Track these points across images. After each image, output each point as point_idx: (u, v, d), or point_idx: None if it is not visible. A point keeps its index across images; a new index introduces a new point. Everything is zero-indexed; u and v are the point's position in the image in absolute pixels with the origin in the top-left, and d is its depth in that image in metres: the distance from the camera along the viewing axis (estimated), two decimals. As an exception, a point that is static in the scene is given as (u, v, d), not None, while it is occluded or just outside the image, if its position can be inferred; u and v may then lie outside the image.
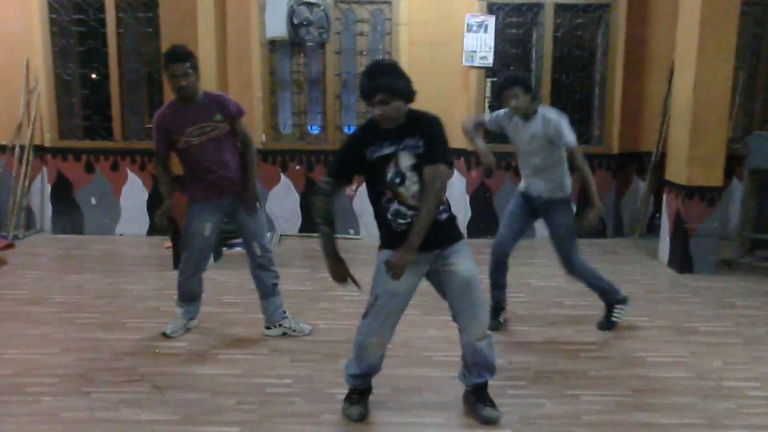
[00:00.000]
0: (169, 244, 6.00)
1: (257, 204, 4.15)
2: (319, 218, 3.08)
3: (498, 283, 4.40)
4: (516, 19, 6.86)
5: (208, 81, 5.60)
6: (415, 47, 6.68)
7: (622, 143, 6.93)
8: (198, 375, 3.70)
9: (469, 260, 3.08)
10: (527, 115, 4.11)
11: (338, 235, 6.80)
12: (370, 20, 6.81)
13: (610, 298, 4.34)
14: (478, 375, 3.20)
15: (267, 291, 4.27)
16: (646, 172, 6.98)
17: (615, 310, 4.34)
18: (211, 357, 3.95)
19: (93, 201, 6.98)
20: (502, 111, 4.31)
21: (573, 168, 4.11)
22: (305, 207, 6.99)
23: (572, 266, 4.23)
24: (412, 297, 3.12)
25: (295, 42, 6.72)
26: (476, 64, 6.64)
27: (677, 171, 5.78)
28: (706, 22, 5.38)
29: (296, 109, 7.05)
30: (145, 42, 6.86)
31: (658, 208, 6.70)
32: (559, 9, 6.78)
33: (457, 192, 6.92)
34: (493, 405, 3.20)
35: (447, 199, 3.06)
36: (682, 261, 5.74)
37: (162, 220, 4.20)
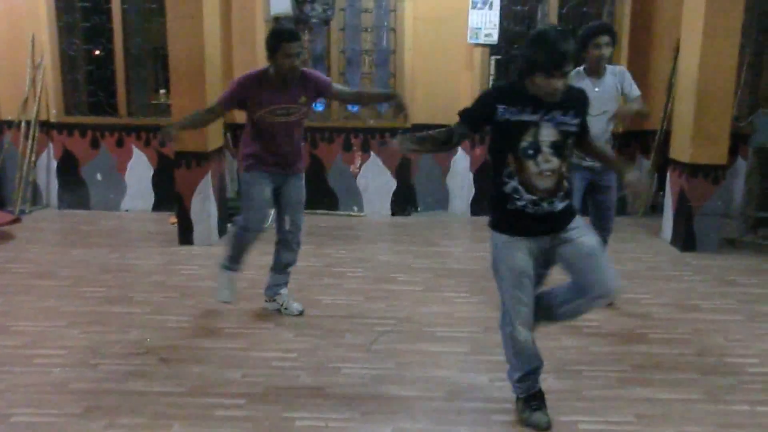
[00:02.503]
0: (174, 219, 6.04)
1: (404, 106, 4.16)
2: (430, 137, 2.87)
3: None
4: (521, -5, 6.82)
5: (213, 57, 5.61)
6: (420, 23, 6.65)
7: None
8: (204, 348, 3.74)
9: (586, 231, 2.92)
10: (599, 72, 4.06)
11: (340, 212, 6.90)
12: (375, -4, 6.78)
13: None
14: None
15: (279, 265, 4.31)
16: (651, 150, 6.96)
17: None
18: (216, 331, 4.00)
19: (99, 176, 7.01)
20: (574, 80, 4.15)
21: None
22: (308, 183, 6.95)
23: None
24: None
25: (300, 19, 6.69)
26: (481, 41, 6.61)
27: (681, 149, 5.77)
28: (711, 2, 5.35)
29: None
30: (150, 18, 6.83)
31: (661, 186, 6.70)
32: (565, -15, 6.74)
33: (462, 169, 6.94)
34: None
35: (568, 186, 2.88)
36: (685, 239, 5.75)
37: (167, 136, 4.12)
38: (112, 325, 4.04)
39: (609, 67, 4.11)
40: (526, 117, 2.73)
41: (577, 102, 2.84)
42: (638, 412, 3.08)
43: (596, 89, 4.01)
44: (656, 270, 5.18)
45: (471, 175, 6.95)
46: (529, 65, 2.68)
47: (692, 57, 5.56)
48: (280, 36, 3.82)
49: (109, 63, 6.84)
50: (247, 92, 3.92)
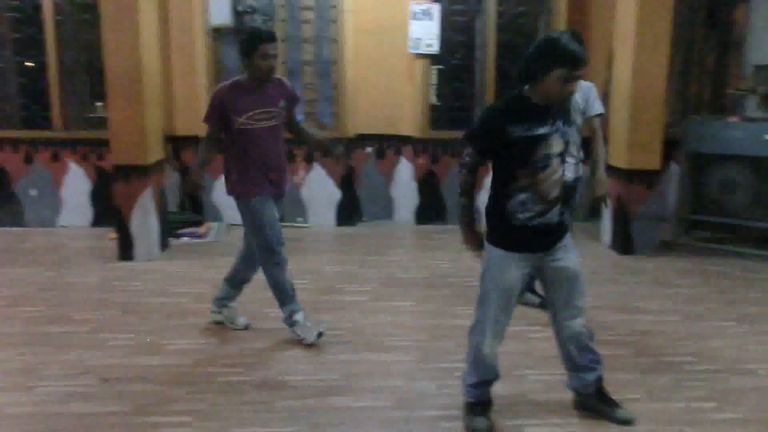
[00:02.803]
0: (113, 234, 5.88)
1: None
2: (462, 191, 2.89)
3: None
4: (460, 7, 6.92)
5: (151, 68, 5.51)
6: (361, 34, 6.68)
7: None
8: (147, 366, 3.66)
9: (572, 252, 2.98)
10: None
11: (285, 224, 6.85)
12: (315, 7, 6.78)
13: None
14: (590, 369, 3.06)
15: (234, 281, 4.21)
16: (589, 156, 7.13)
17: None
18: (160, 348, 3.91)
19: (33, 192, 6.79)
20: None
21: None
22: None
23: None
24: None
25: (240, 29, 6.64)
26: (422, 51, 6.68)
27: (618, 155, 5.95)
28: (642, 12, 5.56)
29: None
30: (85, 29, 6.67)
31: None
32: (503, -3, 6.88)
33: (405, 179, 6.98)
34: (619, 404, 3.11)
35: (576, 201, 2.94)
36: (624, 243, 5.92)
37: (197, 180, 4.02)
38: (50, 345, 3.91)
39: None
40: (541, 130, 2.73)
41: (569, 110, 2.94)
42: (581, 413, 3.14)
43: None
44: (597, 274, 5.31)
45: (415, 185, 7.01)
46: (547, 67, 2.66)
47: (625, 67, 5.75)
48: (258, 36, 3.73)
49: (43, 75, 6.64)
50: (224, 101, 3.78)
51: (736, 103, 6.89)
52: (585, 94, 4.14)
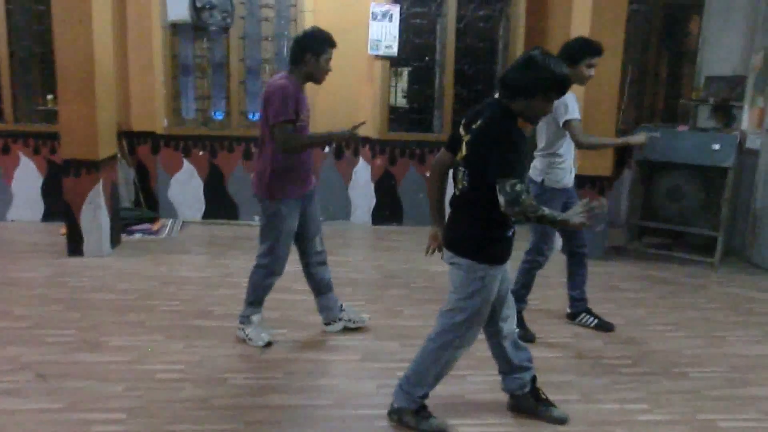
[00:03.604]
0: (65, 230, 5.79)
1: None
2: (543, 217, 2.75)
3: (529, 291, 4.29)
4: (420, 9, 6.96)
5: (104, 63, 5.45)
6: (321, 34, 6.66)
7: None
8: (86, 363, 3.62)
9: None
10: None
11: (242, 221, 6.83)
12: (274, 6, 6.76)
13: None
14: (526, 369, 3.14)
15: (327, 286, 4.12)
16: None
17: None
18: (101, 344, 3.87)
19: (-18, 185, 6.67)
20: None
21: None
22: (208, 193, 6.90)
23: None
24: None
25: (198, 26, 6.60)
26: (381, 53, 6.70)
27: (570, 161, 6.02)
28: (596, 21, 5.64)
29: (199, 94, 6.94)
30: (38, 20, 6.56)
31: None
32: (463, 1, 6.91)
33: (363, 180, 6.99)
34: (554, 404, 3.18)
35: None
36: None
37: (354, 137, 3.90)
38: (-14, 340, 3.85)
39: None
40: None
41: None
42: (515, 414, 3.19)
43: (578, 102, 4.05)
44: (545, 278, 5.32)
45: (372, 185, 7.02)
46: (542, 87, 2.70)
47: (578, 73, 5.83)
48: (328, 41, 3.71)
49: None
50: (296, 98, 3.67)
51: (689, 112, 7.05)
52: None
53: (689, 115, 6.98)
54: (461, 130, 2.89)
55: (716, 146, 5.66)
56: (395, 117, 7.18)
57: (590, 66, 3.97)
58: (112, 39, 5.73)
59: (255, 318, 3.98)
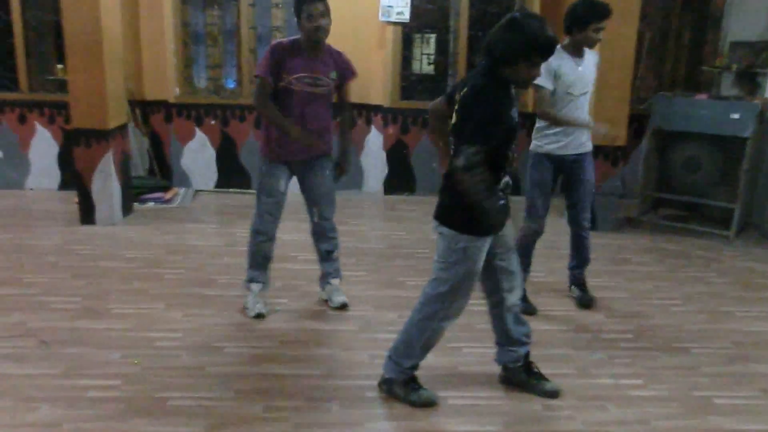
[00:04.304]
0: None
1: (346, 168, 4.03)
2: (483, 193, 2.68)
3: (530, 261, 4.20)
4: (434, -25, 6.83)
5: (112, 31, 5.44)
6: (331, 1, 6.56)
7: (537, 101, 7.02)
8: (87, 329, 3.68)
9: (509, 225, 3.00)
10: (580, 52, 3.89)
11: (253, 190, 6.81)
12: (285, -29, 6.69)
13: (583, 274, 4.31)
14: (523, 343, 3.11)
15: (320, 255, 4.15)
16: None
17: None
18: (103, 312, 3.92)
19: (0, 155, 6.76)
20: (551, 59, 4.14)
21: None
22: (220, 162, 6.92)
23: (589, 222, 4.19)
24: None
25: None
26: (392, 19, 6.60)
27: (584, 131, 5.90)
28: (611, -16, 5.46)
29: (211, 62, 6.92)
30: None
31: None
32: (477, -34, 6.77)
33: (374, 148, 6.95)
34: (546, 378, 3.15)
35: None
36: (587, 219, 5.90)
37: (309, 140, 3.76)
38: (-8, 307, 3.93)
39: (586, 50, 3.94)
40: (516, 112, 2.77)
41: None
42: (507, 388, 3.17)
43: (579, 68, 3.88)
44: (553, 249, 5.28)
45: (384, 154, 6.97)
46: (523, 51, 2.61)
47: (593, 41, 5.68)
48: None
49: (7, 36, 6.56)
50: (280, 57, 3.67)
51: (712, 80, 6.85)
52: (596, 60, 4.06)
53: (712, 83, 6.78)
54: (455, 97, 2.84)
55: (735, 115, 5.49)
56: (409, 85, 7.07)
57: (597, 30, 3.83)
58: (123, 8, 5.73)
59: (254, 287, 4.00)
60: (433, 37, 7.20)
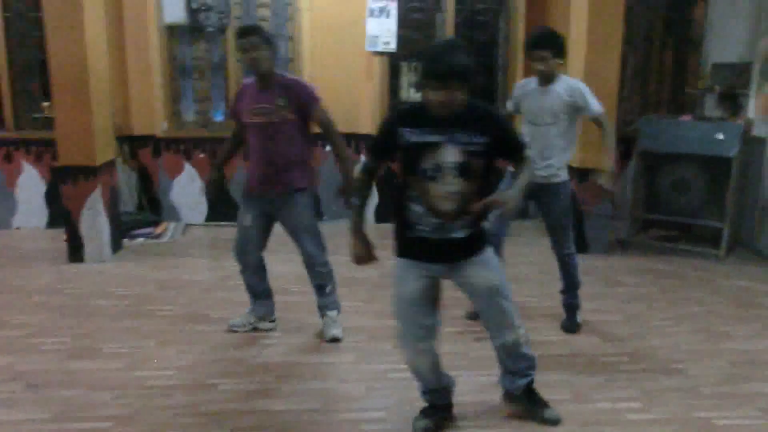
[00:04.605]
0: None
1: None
2: (355, 192, 2.98)
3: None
4: (419, 4, 6.89)
5: (98, 67, 5.45)
6: (318, 32, 6.64)
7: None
8: (77, 371, 3.62)
9: (485, 268, 2.83)
10: (547, 81, 3.85)
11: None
12: (271, 5, 6.73)
13: (577, 300, 4.23)
14: (524, 375, 3.06)
15: (314, 289, 4.17)
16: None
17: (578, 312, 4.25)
18: (94, 352, 3.86)
19: (-14, 193, 6.72)
20: (520, 83, 4.10)
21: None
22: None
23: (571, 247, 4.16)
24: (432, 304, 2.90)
25: (195, 27, 6.59)
26: (379, 49, 6.65)
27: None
28: (593, 11, 5.55)
29: (199, 95, 6.93)
30: (38, 27, 6.58)
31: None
32: (461, -6, 6.86)
33: (364, 178, 6.94)
34: (547, 404, 3.11)
35: (483, 212, 2.75)
36: (577, 241, 5.84)
37: (210, 191, 4.13)
38: (-22, 350, 3.86)
39: (564, 79, 3.91)
40: (429, 138, 2.63)
41: (482, 120, 2.67)
42: (504, 415, 3.14)
43: (543, 97, 3.88)
44: (546, 273, 5.27)
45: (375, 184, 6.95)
46: (418, 79, 2.67)
47: (578, 66, 5.74)
48: (235, 36, 3.85)
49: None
50: (238, 97, 3.94)
51: (695, 101, 6.92)
52: (569, 92, 3.89)
53: (695, 105, 6.85)
54: None
55: (720, 136, 5.55)
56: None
57: (535, 59, 3.82)
58: (109, 44, 5.74)
59: (246, 309, 4.21)
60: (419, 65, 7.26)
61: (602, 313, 4.47)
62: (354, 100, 6.77)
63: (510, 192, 2.73)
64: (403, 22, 6.73)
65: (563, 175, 4.00)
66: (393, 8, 6.59)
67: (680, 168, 5.91)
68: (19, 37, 6.59)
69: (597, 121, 4.03)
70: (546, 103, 3.89)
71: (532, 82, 3.98)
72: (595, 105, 3.94)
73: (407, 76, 7.19)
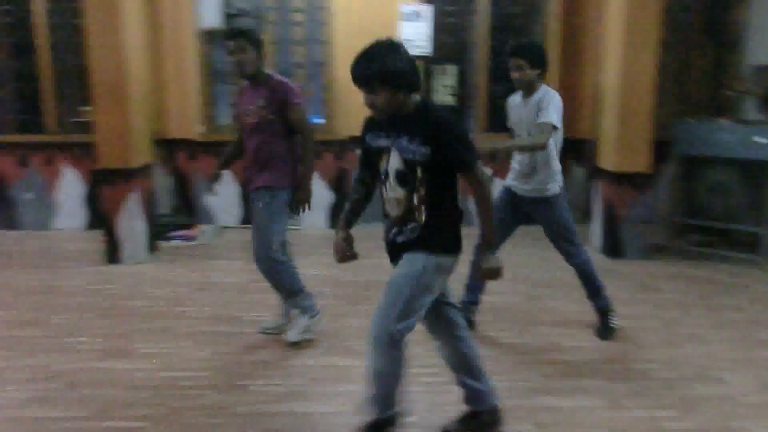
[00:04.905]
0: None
1: (305, 204, 3.97)
2: (349, 197, 2.99)
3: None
4: (452, 8, 6.89)
5: (136, 72, 5.55)
6: (350, 36, 6.66)
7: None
8: (114, 370, 3.68)
9: (405, 265, 2.67)
10: (528, 91, 3.82)
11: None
12: (304, 9, 6.78)
13: (606, 302, 4.16)
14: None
15: None
16: (584, 158, 7.07)
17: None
18: (128, 352, 3.93)
19: (28, 196, 6.87)
20: (511, 96, 4.08)
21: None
22: (245, 197, 6.96)
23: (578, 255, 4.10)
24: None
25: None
26: (413, 53, 6.64)
27: (607, 158, 5.88)
28: (630, 13, 5.49)
29: (234, 100, 6.99)
30: (80, 34, 6.73)
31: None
32: (496, -3, 6.83)
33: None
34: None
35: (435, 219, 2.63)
36: (613, 246, 5.84)
37: (209, 186, 4.33)
38: (19, 349, 3.94)
39: (543, 90, 3.80)
40: (381, 142, 2.64)
41: (428, 129, 2.50)
42: (537, 420, 3.11)
43: (523, 108, 3.87)
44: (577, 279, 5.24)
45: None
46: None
47: (614, 70, 5.69)
48: (224, 36, 3.91)
49: (36, 80, 6.71)
50: (237, 98, 4.08)
51: (734, 104, 6.78)
52: (540, 102, 3.76)
53: (734, 107, 6.72)
54: None
55: (759, 139, 5.43)
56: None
57: (510, 67, 3.80)
58: (146, 49, 5.85)
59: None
60: (453, 69, 7.22)
61: (638, 319, 4.40)
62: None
63: (492, 258, 2.74)
64: (437, 26, 6.72)
65: (553, 188, 3.92)
66: (426, 12, 6.60)
67: (717, 172, 5.80)
68: (63, 44, 6.73)
69: (539, 127, 3.72)
70: (524, 115, 3.87)
71: (519, 95, 3.97)
72: (550, 115, 3.67)
73: (438, 79, 7.18)
